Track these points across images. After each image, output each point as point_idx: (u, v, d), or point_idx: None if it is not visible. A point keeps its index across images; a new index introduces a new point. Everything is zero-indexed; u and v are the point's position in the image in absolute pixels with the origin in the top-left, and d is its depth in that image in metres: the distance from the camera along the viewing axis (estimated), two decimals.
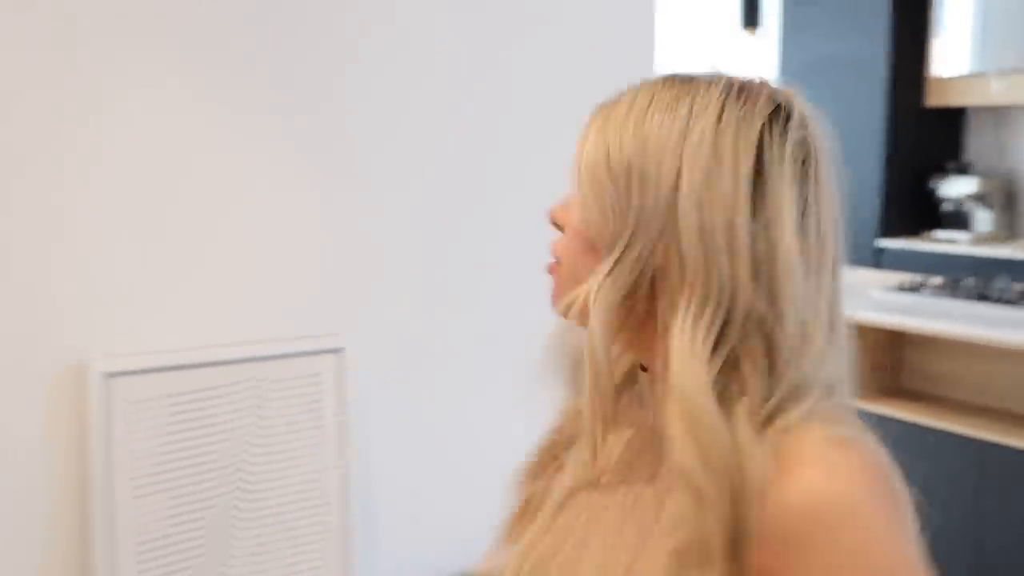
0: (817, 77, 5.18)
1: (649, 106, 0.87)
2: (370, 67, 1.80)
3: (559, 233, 0.94)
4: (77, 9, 1.57)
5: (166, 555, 1.68)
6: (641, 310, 0.87)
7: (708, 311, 0.82)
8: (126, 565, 1.65)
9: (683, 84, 0.88)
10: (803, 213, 0.85)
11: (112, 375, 1.64)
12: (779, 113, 0.86)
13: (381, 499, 1.87)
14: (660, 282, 0.85)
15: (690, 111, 0.85)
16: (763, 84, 0.89)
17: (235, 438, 1.73)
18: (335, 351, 1.78)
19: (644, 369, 0.96)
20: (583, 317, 0.88)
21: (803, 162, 0.86)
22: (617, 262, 0.86)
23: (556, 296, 0.93)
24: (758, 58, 5.71)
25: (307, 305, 1.80)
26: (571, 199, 0.91)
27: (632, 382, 1.00)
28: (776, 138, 0.84)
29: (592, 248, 0.88)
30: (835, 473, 0.80)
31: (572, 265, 0.91)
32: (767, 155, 0.83)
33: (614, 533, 0.92)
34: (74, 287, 1.63)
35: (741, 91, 0.87)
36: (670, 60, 6.41)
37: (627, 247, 0.85)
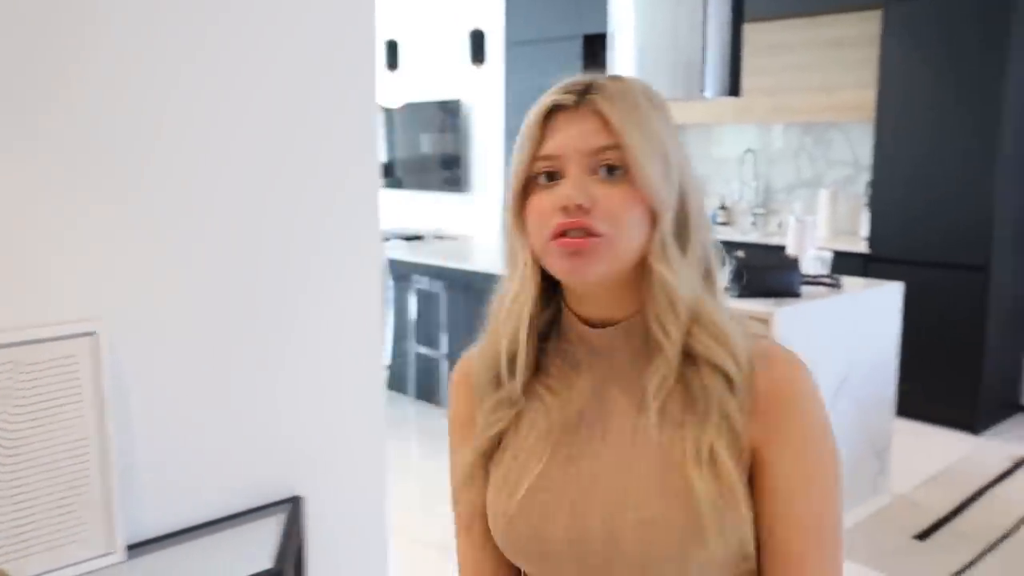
0: (532, 102, 5.22)
1: (651, 107, 0.90)
2: (113, 65, 1.53)
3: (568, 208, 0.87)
4: None
5: None
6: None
7: (696, 249, 0.90)
8: None
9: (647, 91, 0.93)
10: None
11: None
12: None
13: (140, 462, 1.63)
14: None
15: (668, 114, 0.92)
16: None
17: None
18: (89, 334, 1.52)
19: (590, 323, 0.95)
20: (615, 274, 0.88)
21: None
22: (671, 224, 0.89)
23: (602, 258, 0.86)
24: (486, 86, 5.65)
25: (59, 292, 1.52)
26: (591, 181, 0.88)
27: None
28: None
29: (651, 216, 0.88)
30: (802, 367, 0.88)
31: (631, 230, 0.87)
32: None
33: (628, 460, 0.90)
34: None
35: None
36: (412, 87, 6.24)
37: (671, 212, 0.89)
